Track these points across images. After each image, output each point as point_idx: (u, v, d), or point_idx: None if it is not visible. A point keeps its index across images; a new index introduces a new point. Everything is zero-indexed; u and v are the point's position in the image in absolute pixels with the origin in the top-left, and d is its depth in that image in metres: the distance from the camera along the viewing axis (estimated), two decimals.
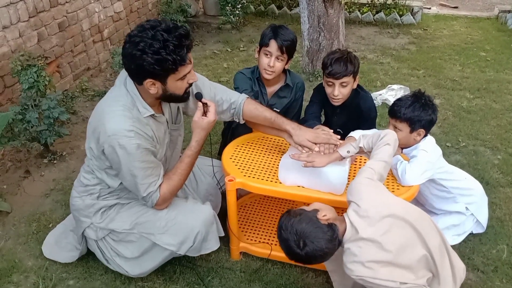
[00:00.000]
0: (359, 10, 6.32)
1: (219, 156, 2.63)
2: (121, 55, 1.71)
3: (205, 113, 1.93)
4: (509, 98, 3.98)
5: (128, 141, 1.74)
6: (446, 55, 5.06)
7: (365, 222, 1.59)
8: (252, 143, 2.33)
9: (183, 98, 1.87)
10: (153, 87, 1.73)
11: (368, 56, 5.03)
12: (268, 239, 2.30)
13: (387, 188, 1.97)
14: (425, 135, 2.17)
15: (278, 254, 2.20)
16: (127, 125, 1.74)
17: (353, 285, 1.87)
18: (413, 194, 1.97)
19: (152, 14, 5.54)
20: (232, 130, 2.49)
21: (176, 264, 2.21)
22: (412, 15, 6.26)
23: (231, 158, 2.19)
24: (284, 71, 2.53)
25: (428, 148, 2.11)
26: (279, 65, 2.41)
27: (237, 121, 2.15)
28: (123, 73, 1.85)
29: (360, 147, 1.88)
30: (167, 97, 1.83)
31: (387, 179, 2.04)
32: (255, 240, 2.29)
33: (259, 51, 2.48)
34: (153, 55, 1.62)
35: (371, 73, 4.52)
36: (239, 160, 2.17)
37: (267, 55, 2.42)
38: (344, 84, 2.30)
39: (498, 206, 2.61)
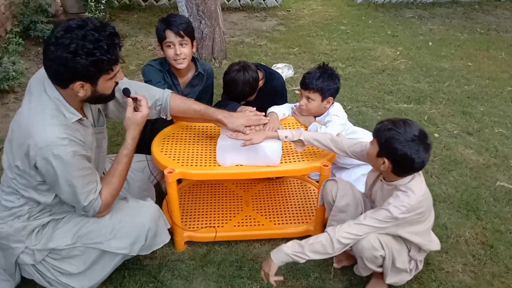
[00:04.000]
0: None
1: (140, 152, 2.58)
2: (45, 59, 1.58)
3: (135, 109, 1.89)
4: (373, 63, 4.59)
5: (63, 149, 1.62)
6: (313, 32, 5.57)
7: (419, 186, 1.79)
8: (177, 133, 2.34)
9: (110, 97, 1.80)
10: (82, 90, 1.64)
11: (245, 40, 5.26)
12: (211, 223, 2.36)
13: (314, 152, 2.20)
14: (333, 103, 2.44)
15: (223, 234, 2.30)
16: (60, 133, 1.62)
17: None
18: (335, 154, 2.21)
19: (6, 17, 4.97)
20: (152, 124, 2.45)
21: (122, 269, 2.13)
22: None
23: (162, 151, 2.18)
24: (193, 59, 2.57)
25: (338, 112, 2.39)
26: (185, 50, 2.43)
27: (164, 117, 2.13)
28: (38, 80, 1.71)
29: (300, 140, 2.04)
30: (95, 99, 1.75)
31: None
32: (198, 227, 2.33)
33: (161, 47, 2.47)
34: (87, 56, 1.53)
35: (253, 56, 4.76)
36: (170, 151, 2.18)
37: (169, 46, 2.43)
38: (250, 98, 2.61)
39: None
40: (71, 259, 1.89)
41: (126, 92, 1.89)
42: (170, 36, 2.39)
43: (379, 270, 1.93)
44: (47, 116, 1.64)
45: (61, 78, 1.62)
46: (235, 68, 2.51)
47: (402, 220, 1.75)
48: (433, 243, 1.96)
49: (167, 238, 2.03)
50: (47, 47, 1.56)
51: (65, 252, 1.87)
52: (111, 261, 1.92)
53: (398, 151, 1.67)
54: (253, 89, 2.52)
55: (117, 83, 1.78)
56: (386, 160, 1.73)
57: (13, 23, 5.10)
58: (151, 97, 2.06)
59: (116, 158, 1.91)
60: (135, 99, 1.89)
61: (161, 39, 2.43)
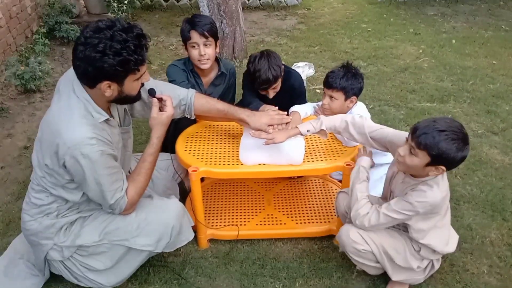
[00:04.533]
0: None
1: (164, 151, 2.62)
2: (74, 58, 1.62)
3: (161, 109, 1.92)
4: (395, 62, 4.54)
5: (91, 149, 1.66)
6: (334, 30, 5.54)
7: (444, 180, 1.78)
8: (200, 132, 2.37)
9: (136, 98, 1.83)
10: (109, 90, 1.68)
11: (266, 39, 5.27)
12: (233, 221, 2.38)
13: (337, 151, 2.19)
14: (356, 102, 2.43)
15: (246, 233, 2.31)
16: (88, 132, 1.66)
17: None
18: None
19: (32, 18, 5.09)
20: (175, 123, 2.48)
21: (147, 266, 2.17)
22: None
23: (186, 150, 2.21)
24: (216, 59, 2.59)
25: (361, 112, 2.37)
26: (210, 51, 2.46)
27: (188, 116, 2.16)
28: (67, 80, 1.75)
29: (322, 130, 2.03)
30: (121, 99, 1.78)
31: (335, 143, 2.26)
32: (221, 225, 2.36)
33: (185, 47, 2.51)
34: (114, 56, 1.57)
35: None
36: (194, 150, 2.21)
37: (194, 47, 2.45)
38: (276, 88, 2.50)
39: None
40: (98, 255, 1.93)
41: (152, 92, 1.92)
42: (195, 36, 2.42)
43: (377, 265, 1.94)
44: (75, 116, 1.68)
45: (89, 78, 1.65)
46: (255, 55, 2.48)
47: (423, 213, 1.76)
48: (449, 246, 1.91)
49: (191, 235, 2.06)
50: (76, 47, 1.60)
51: (92, 249, 1.91)
52: (136, 258, 1.96)
53: (457, 158, 1.64)
54: (280, 68, 2.46)
55: (143, 84, 1.81)
56: (442, 167, 1.68)
57: (38, 24, 5.23)
58: (176, 96, 2.08)
59: (141, 157, 1.95)
60: (160, 99, 1.93)
61: (186, 39, 2.46)
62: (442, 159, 1.64)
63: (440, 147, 1.61)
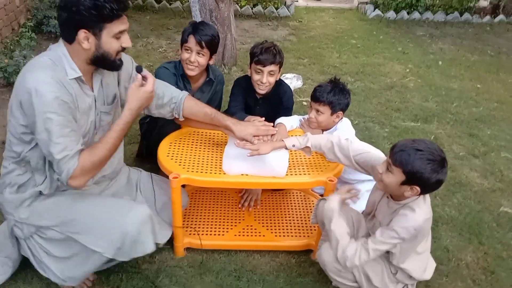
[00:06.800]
0: (237, 3, 6.56)
1: (137, 157, 2.62)
2: (57, 8, 1.67)
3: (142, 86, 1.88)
4: (382, 79, 4.59)
5: (47, 88, 1.60)
6: (323, 44, 5.58)
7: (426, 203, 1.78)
8: (184, 138, 2.34)
9: (115, 63, 1.77)
10: (86, 42, 1.65)
11: None
12: (212, 230, 2.35)
13: (320, 166, 2.19)
14: (342, 117, 2.43)
15: (224, 243, 2.29)
16: (51, 77, 1.63)
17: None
18: (341, 168, 2.20)
19: (20, 10, 5.00)
20: (159, 128, 2.45)
21: (120, 272, 2.12)
22: (286, 7, 6.72)
23: (168, 156, 2.18)
24: (206, 66, 2.57)
25: (346, 128, 2.38)
26: (201, 60, 2.45)
27: (177, 116, 2.13)
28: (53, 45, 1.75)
29: (307, 147, 2.03)
30: (99, 58, 1.72)
31: (319, 157, 2.25)
32: (199, 234, 2.32)
33: (181, 48, 2.50)
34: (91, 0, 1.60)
35: None
36: (177, 156, 2.17)
37: (187, 50, 2.45)
38: (271, 72, 2.44)
39: None
40: (55, 242, 1.87)
41: (138, 69, 1.87)
42: (191, 42, 2.42)
43: (354, 285, 1.94)
44: (45, 58, 1.68)
45: (67, 26, 1.66)
46: (260, 42, 2.52)
47: (408, 240, 1.74)
48: (426, 273, 1.91)
49: (149, 248, 1.87)
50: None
51: (50, 233, 1.86)
52: (90, 257, 1.86)
53: (431, 179, 1.64)
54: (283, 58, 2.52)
55: (123, 49, 1.76)
56: (416, 188, 1.68)
57: (26, 17, 5.14)
58: (168, 94, 2.08)
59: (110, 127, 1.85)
60: (144, 77, 1.87)
61: (183, 41, 2.46)
62: (415, 178, 1.64)
63: (414, 165, 1.62)
